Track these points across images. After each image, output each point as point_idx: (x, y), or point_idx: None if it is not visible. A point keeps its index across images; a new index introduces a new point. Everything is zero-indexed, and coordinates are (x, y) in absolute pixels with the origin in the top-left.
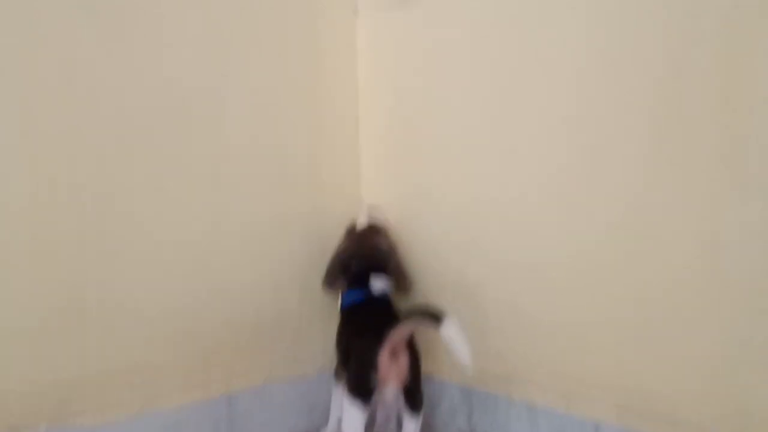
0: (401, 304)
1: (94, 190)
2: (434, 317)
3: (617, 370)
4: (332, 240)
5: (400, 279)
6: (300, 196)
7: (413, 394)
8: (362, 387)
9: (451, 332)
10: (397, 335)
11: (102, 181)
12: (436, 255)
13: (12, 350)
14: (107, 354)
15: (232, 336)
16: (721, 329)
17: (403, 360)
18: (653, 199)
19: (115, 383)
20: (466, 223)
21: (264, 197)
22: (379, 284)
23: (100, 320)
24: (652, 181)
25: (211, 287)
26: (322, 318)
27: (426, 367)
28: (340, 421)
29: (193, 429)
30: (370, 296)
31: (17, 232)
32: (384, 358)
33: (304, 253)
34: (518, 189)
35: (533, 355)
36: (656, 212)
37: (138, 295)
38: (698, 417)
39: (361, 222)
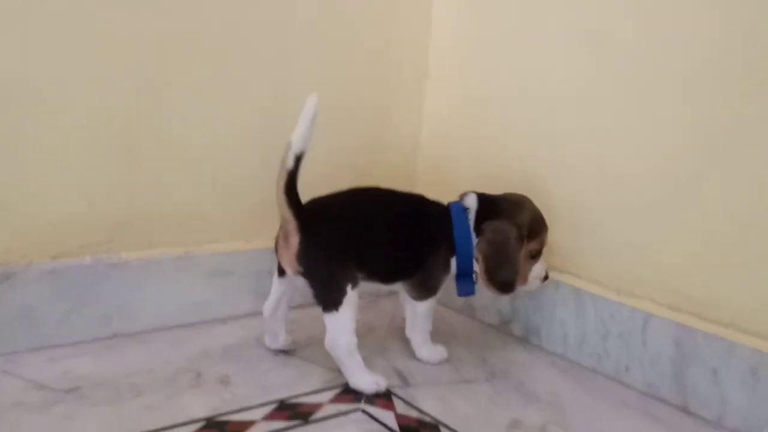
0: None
1: (157, 33)
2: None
3: (674, 274)
4: (391, 114)
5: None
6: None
7: (312, 286)
8: (277, 260)
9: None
10: (282, 215)
11: (166, 25)
12: (499, 142)
13: (60, 181)
14: (156, 194)
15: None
16: None
17: (293, 243)
18: (741, 110)
19: (162, 224)
20: (532, 112)
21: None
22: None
23: (151, 159)
24: (742, 95)
25: (267, 149)
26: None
27: None
28: None
29: (236, 277)
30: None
31: (74, 65)
32: (279, 239)
33: (364, 125)
34: (589, 80)
35: (586, 251)
36: (742, 124)
37: (193, 141)
38: (753, 324)
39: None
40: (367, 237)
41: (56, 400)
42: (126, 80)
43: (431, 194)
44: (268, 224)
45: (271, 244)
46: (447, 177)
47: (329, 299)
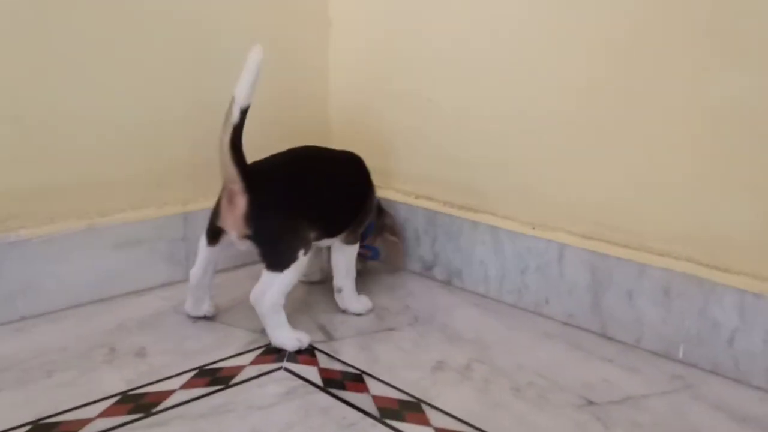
0: None
1: None
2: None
3: (585, 204)
4: (296, 65)
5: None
6: None
7: (260, 248)
8: (208, 227)
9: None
10: (226, 175)
11: None
12: (407, 86)
13: None
14: (55, 165)
15: (191, 156)
16: (690, 155)
17: (240, 205)
18: (650, 47)
19: (64, 196)
20: (438, 53)
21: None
22: None
23: (42, 126)
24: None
25: (170, 104)
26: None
27: (390, 194)
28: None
29: (147, 246)
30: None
31: None
32: (222, 201)
33: (274, 84)
34: (495, 15)
35: (500, 188)
36: (649, 59)
37: (90, 105)
38: (663, 245)
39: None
40: (319, 194)
41: None
42: (8, 44)
43: (348, 145)
44: (178, 187)
45: (182, 208)
46: (360, 126)
47: (278, 260)
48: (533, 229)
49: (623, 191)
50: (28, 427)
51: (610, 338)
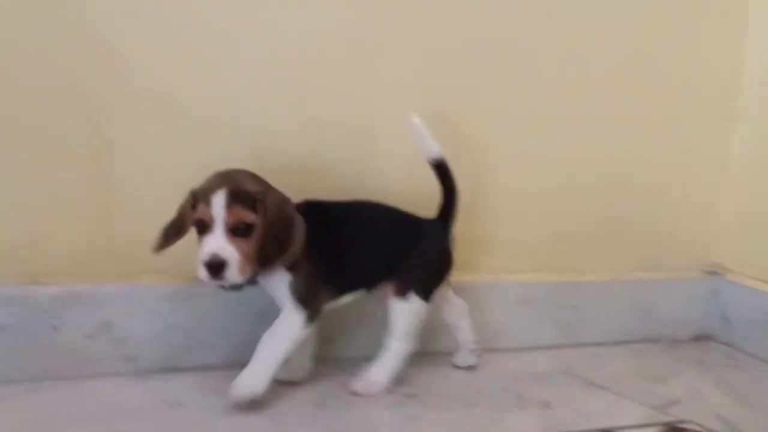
0: None
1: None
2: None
3: None
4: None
5: None
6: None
7: None
8: None
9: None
10: None
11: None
12: None
13: None
14: (496, 226)
15: (584, 227)
16: None
17: None
18: None
19: (489, 253)
20: None
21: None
22: None
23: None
24: None
25: (578, 173)
26: (690, 218)
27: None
28: None
29: (539, 307)
30: None
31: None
32: None
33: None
34: None
35: None
36: None
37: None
38: None
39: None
40: None
41: (401, 402)
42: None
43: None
44: (573, 257)
45: (577, 277)
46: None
47: None
48: None
49: None
50: None
51: None
